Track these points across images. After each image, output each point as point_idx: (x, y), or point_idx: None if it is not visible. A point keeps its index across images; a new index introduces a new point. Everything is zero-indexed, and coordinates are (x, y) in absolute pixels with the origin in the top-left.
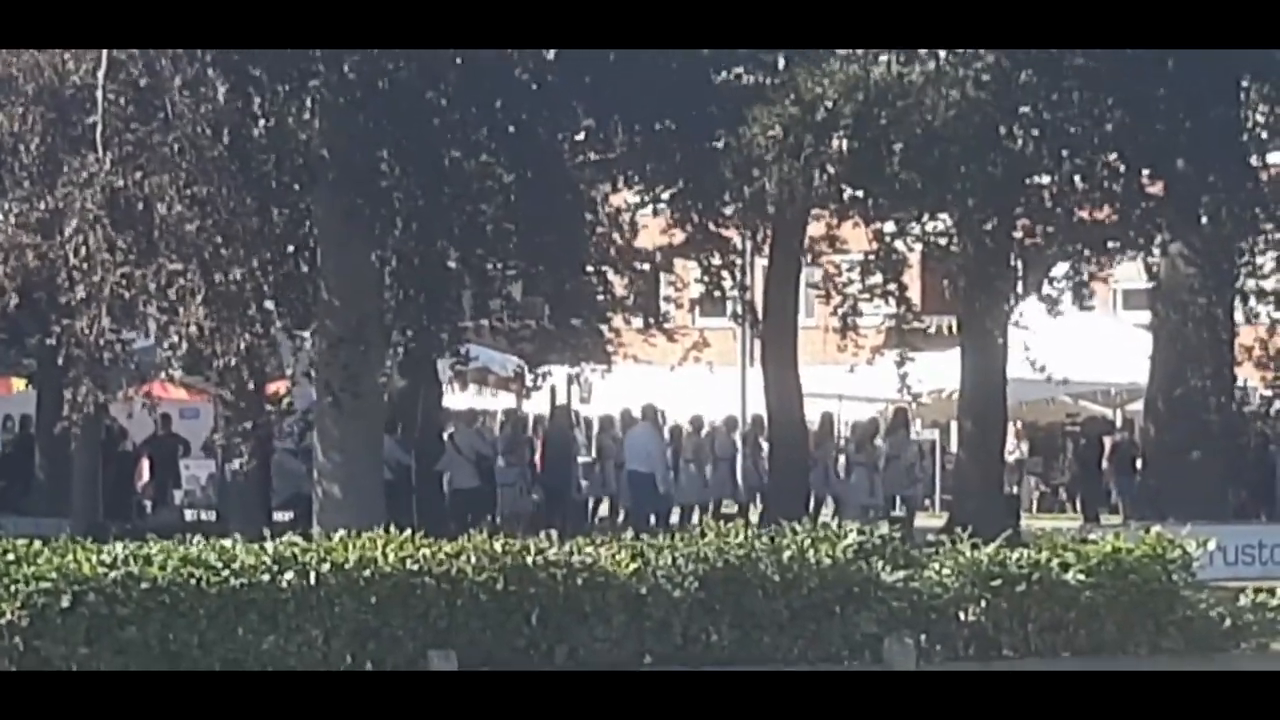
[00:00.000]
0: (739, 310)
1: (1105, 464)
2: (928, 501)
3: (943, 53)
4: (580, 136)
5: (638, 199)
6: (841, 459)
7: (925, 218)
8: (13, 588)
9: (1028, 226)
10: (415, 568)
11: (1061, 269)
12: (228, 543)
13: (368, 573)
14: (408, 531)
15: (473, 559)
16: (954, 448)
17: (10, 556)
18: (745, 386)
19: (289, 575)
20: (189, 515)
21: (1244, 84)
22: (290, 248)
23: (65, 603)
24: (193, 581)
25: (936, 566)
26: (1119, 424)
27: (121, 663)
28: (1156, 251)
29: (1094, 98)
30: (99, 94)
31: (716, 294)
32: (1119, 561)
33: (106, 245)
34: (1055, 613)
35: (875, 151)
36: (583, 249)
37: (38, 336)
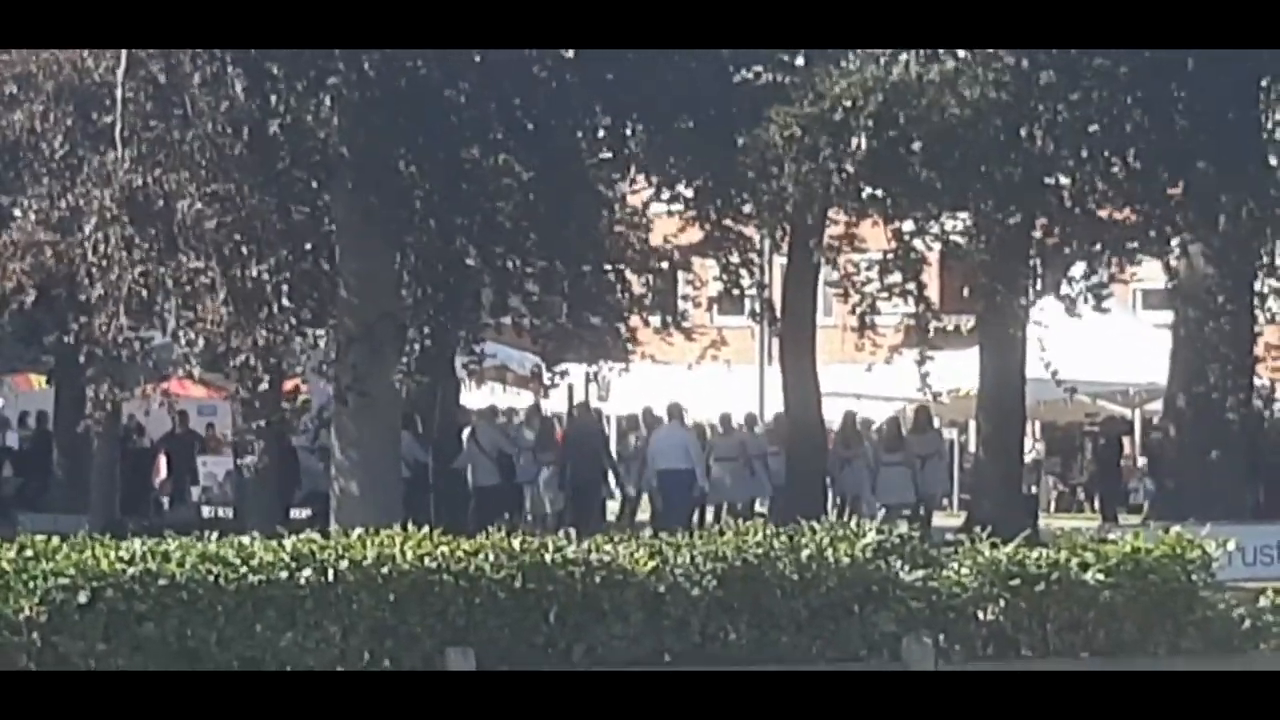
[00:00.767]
0: (757, 309)
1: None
2: (946, 501)
3: (962, 53)
4: (599, 134)
5: (656, 197)
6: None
7: (944, 217)
8: (31, 584)
9: (1046, 226)
10: (433, 565)
11: (1080, 269)
12: (246, 540)
13: (385, 570)
14: (426, 529)
15: (491, 557)
16: (972, 447)
17: (28, 553)
18: (764, 385)
19: (307, 572)
20: (206, 512)
21: (1264, 85)
22: (309, 245)
23: (83, 599)
24: (210, 578)
25: (955, 566)
26: (1138, 424)
27: (140, 659)
28: (1176, 251)
29: (1113, 98)
30: (118, 92)
31: (735, 292)
32: (1138, 561)
33: (125, 243)
34: (1074, 612)
35: (894, 151)
36: (600, 247)
37: (56, 334)
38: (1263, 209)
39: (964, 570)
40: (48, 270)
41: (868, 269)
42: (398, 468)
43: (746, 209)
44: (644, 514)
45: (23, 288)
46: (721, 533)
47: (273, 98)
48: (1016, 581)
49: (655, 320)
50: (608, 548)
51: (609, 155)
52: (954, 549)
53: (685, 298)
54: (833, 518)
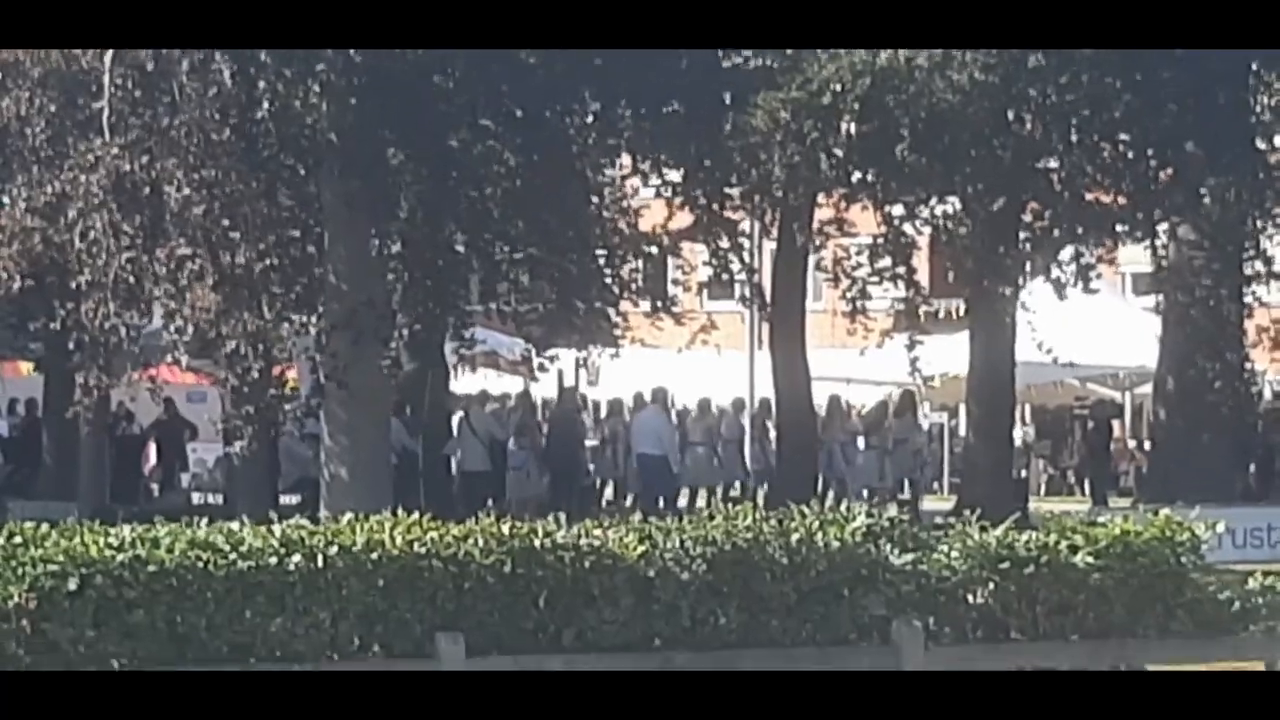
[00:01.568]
0: (747, 293)
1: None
2: (936, 484)
3: None
4: (587, 120)
5: (644, 183)
6: (851, 442)
7: (934, 201)
8: (20, 571)
9: (1036, 210)
10: (423, 551)
11: (1069, 252)
12: (235, 526)
13: (375, 555)
14: (415, 514)
15: (481, 542)
16: (962, 431)
17: (17, 540)
18: (754, 370)
19: (296, 558)
20: (196, 499)
21: (1252, 68)
22: (297, 231)
23: (73, 585)
24: (200, 564)
25: (945, 549)
26: (1128, 408)
27: (129, 646)
28: (1164, 235)
29: (1102, 82)
30: (106, 78)
31: (724, 277)
32: (1127, 544)
33: (112, 229)
34: (1064, 595)
35: (883, 135)
36: (589, 233)
37: (44, 321)
38: (1250, 192)
39: (954, 553)
40: (36, 257)
41: (858, 253)
42: (387, 454)
43: (735, 194)
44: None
45: (11, 274)
46: (711, 517)
47: (260, 84)
48: (1006, 564)
49: (645, 305)
50: (597, 533)
51: (597, 140)
52: (944, 532)
53: (675, 282)
54: (824, 502)
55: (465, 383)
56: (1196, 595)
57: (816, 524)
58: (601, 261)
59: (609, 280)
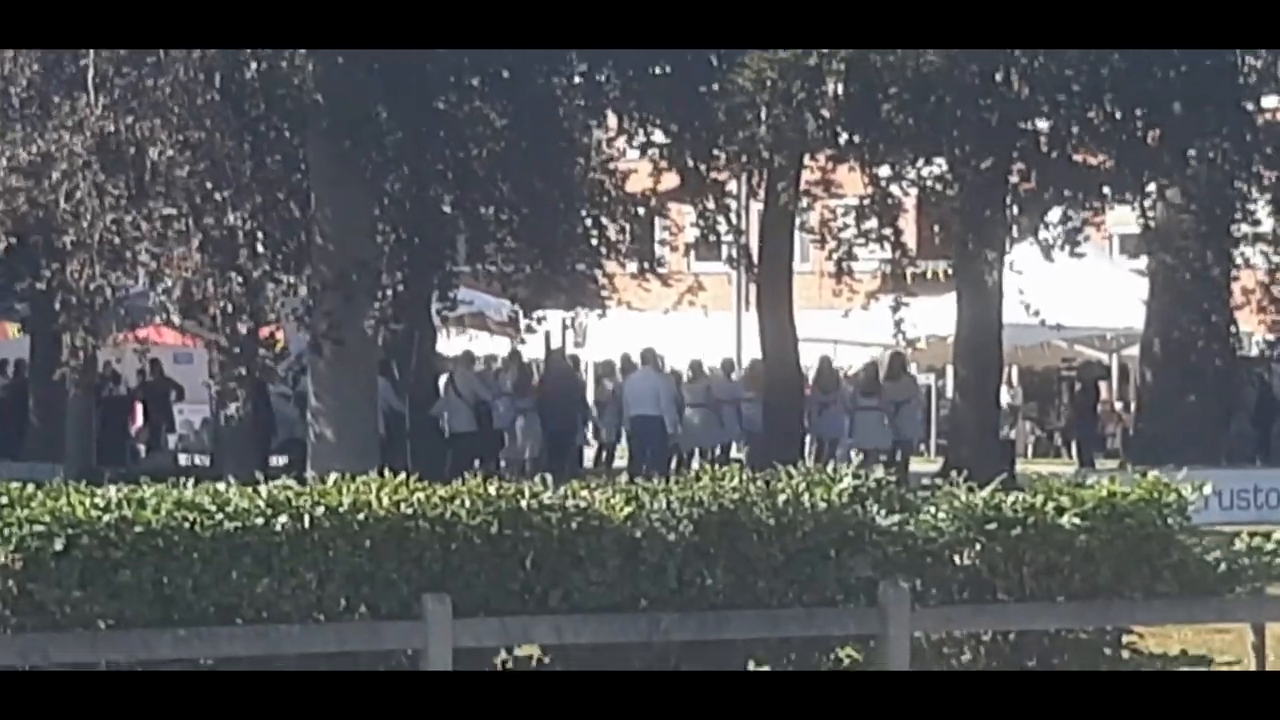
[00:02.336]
0: (734, 255)
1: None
2: (923, 446)
3: None
4: (573, 81)
5: (630, 143)
6: (848, 402)
7: (921, 162)
8: (6, 531)
9: (1023, 171)
10: (409, 512)
11: (1056, 214)
12: (221, 487)
13: (362, 516)
14: (402, 475)
15: (467, 503)
16: (949, 393)
17: (3, 500)
18: (741, 331)
19: (283, 519)
20: (183, 460)
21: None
22: (282, 193)
23: (59, 546)
24: (186, 525)
25: (932, 510)
26: (1115, 369)
27: (115, 606)
28: (1151, 196)
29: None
30: None
31: (711, 238)
32: (1114, 506)
33: (96, 190)
34: (1050, 556)
35: (869, 96)
36: (575, 193)
37: (30, 281)
38: (1238, 154)
39: (940, 515)
40: (21, 217)
41: (844, 214)
42: (374, 415)
43: (722, 155)
44: (621, 460)
45: None
46: (698, 478)
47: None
48: (993, 526)
49: (632, 266)
50: (584, 494)
51: (584, 102)
52: (930, 494)
53: (662, 243)
54: (809, 463)
55: (450, 344)
56: (1183, 557)
57: (803, 485)
58: (588, 223)
59: (595, 241)
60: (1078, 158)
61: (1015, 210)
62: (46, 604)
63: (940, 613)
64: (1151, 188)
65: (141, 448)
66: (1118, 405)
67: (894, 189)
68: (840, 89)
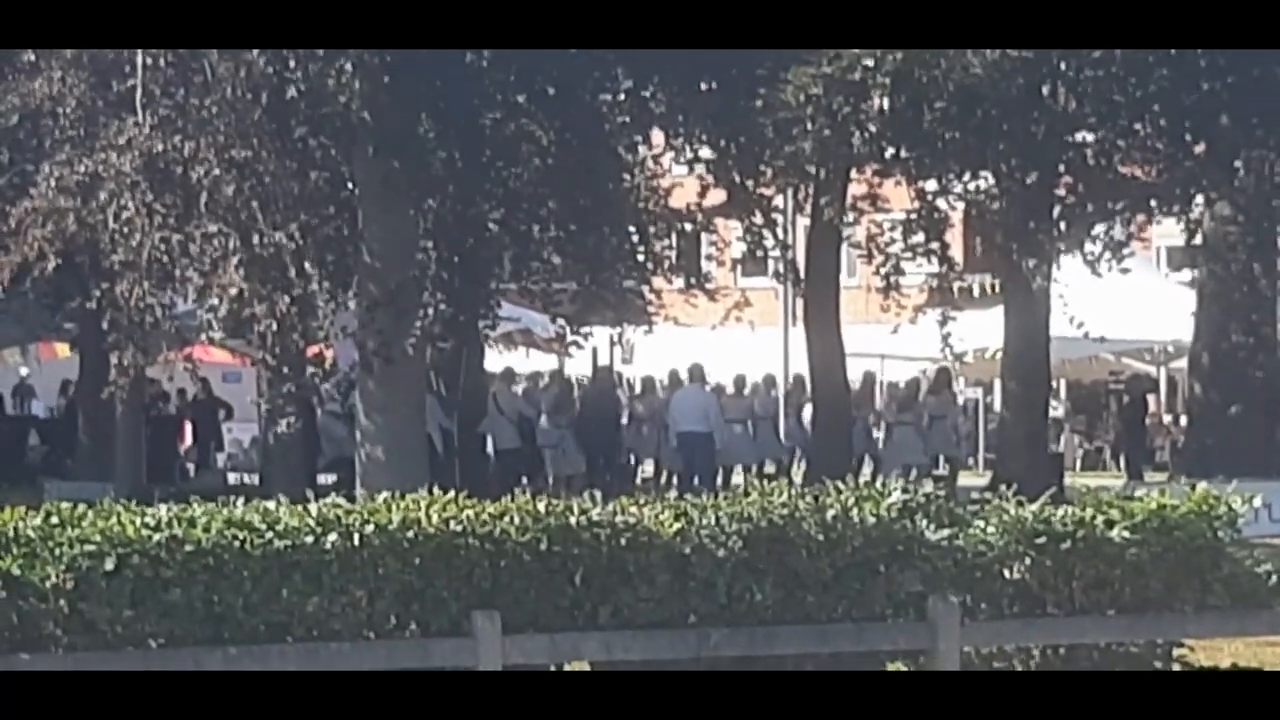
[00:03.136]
0: (781, 270)
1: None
2: (972, 460)
3: None
4: (619, 97)
5: (677, 160)
6: (887, 418)
7: (967, 176)
8: (57, 551)
9: (1069, 184)
10: (459, 529)
11: (1103, 227)
12: (271, 505)
13: (411, 534)
14: (451, 493)
15: (516, 520)
16: (997, 406)
17: (54, 520)
18: (788, 346)
19: (332, 537)
20: (232, 478)
21: None
22: (330, 210)
23: (110, 566)
24: (236, 544)
25: (981, 525)
26: (1163, 382)
27: (166, 625)
28: (1198, 209)
29: (1135, 55)
30: (138, 58)
31: (758, 253)
32: (1164, 518)
33: (145, 209)
34: (1100, 570)
35: (915, 110)
36: (622, 210)
37: (80, 301)
38: None
39: (989, 529)
40: (70, 237)
41: (891, 229)
42: (423, 432)
43: (768, 170)
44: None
45: (45, 255)
46: (747, 494)
47: (292, 63)
48: (1042, 540)
49: (679, 282)
50: (633, 510)
51: (629, 118)
52: (979, 508)
53: (709, 258)
54: (858, 478)
55: (498, 361)
56: (1233, 569)
57: (852, 500)
58: (635, 239)
59: (642, 257)
60: (1124, 171)
61: (1062, 224)
62: (97, 623)
63: (990, 627)
64: (1199, 200)
65: (191, 466)
66: (1166, 418)
67: (940, 203)
68: (885, 103)
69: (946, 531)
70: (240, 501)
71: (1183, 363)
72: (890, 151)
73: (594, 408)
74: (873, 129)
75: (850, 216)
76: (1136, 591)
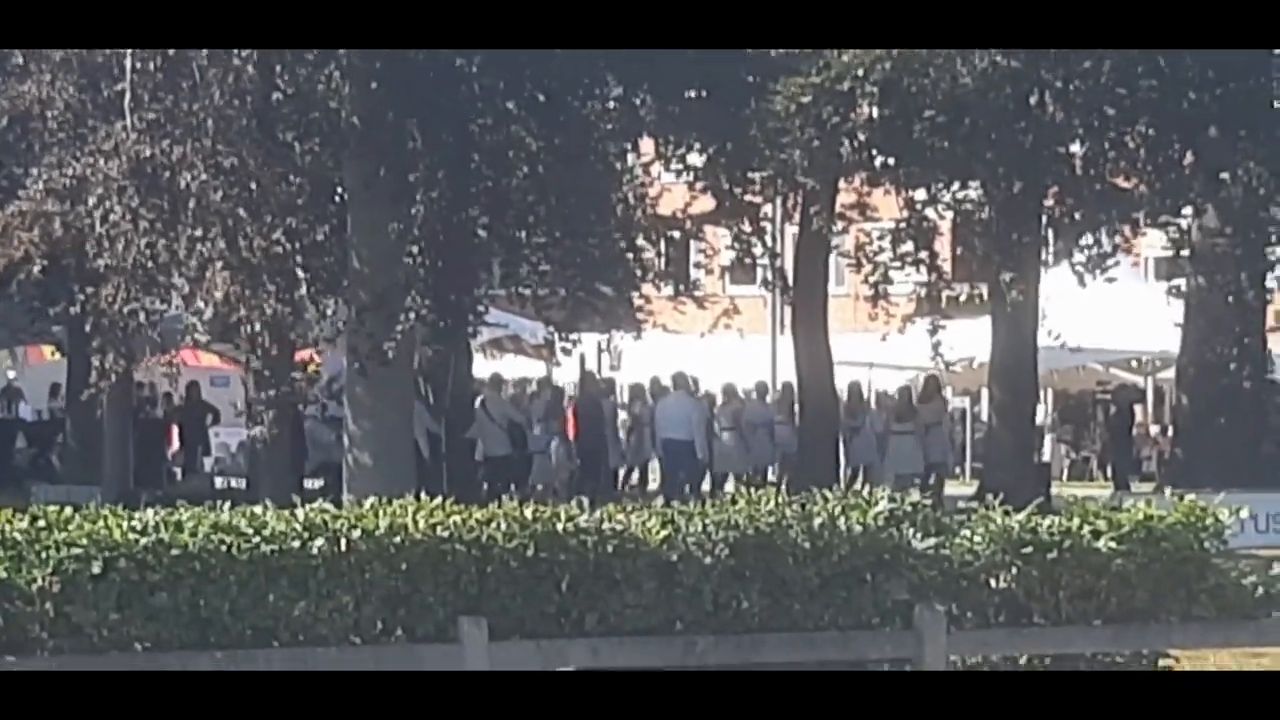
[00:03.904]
0: (769, 278)
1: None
2: (958, 469)
3: None
4: (608, 105)
5: (666, 167)
6: (881, 427)
7: (956, 186)
8: (43, 554)
9: (1057, 195)
10: (446, 535)
11: (1091, 238)
12: (258, 510)
13: (398, 540)
14: (438, 499)
15: (503, 526)
16: (985, 416)
17: (41, 523)
18: (776, 354)
19: (319, 542)
20: (219, 483)
21: (1276, 53)
22: (317, 216)
23: (96, 569)
24: (223, 548)
25: (967, 534)
26: (1150, 392)
27: (152, 629)
28: (1186, 220)
29: (1123, 66)
30: (127, 63)
31: (746, 261)
32: (1150, 529)
33: (131, 214)
34: (1086, 580)
35: (903, 120)
36: (610, 217)
37: (66, 304)
38: (1273, 177)
39: (976, 538)
40: (56, 241)
41: (879, 238)
42: (410, 438)
43: (757, 178)
44: (651, 483)
45: (31, 257)
46: (734, 501)
47: (280, 68)
48: (1029, 549)
49: (667, 289)
50: (619, 517)
51: (619, 125)
52: (966, 517)
53: (697, 266)
54: (844, 487)
55: (486, 368)
56: (1220, 580)
57: (839, 508)
58: (623, 246)
59: (631, 264)
60: (1112, 181)
61: (1049, 234)
62: (84, 627)
63: (976, 636)
64: (1186, 211)
65: (178, 470)
66: (1153, 428)
67: (929, 212)
68: (874, 112)
69: (933, 540)
70: (227, 506)
71: (1170, 373)
72: (879, 161)
73: (584, 415)
74: (861, 138)
75: (839, 225)
76: (1123, 602)
